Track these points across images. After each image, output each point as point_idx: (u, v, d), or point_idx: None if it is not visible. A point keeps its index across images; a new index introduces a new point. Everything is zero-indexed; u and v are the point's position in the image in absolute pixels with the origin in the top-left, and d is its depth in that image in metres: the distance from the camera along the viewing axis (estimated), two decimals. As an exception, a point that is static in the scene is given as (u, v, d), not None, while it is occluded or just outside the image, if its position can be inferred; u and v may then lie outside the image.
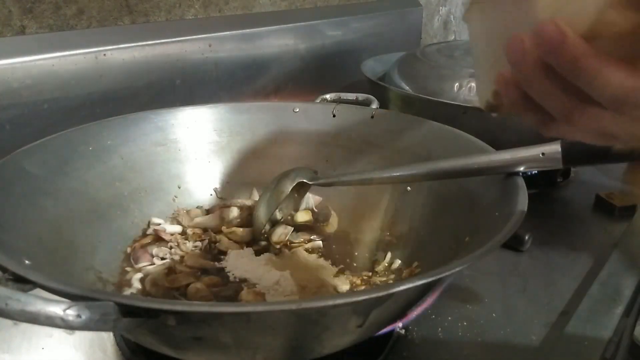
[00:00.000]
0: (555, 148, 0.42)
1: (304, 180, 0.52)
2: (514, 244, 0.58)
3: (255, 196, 0.58)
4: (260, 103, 0.67)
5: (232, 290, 0.44)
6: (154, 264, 0.48)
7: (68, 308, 0.24)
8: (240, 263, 0.47)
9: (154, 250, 0.49)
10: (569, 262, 0.57)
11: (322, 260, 0.50)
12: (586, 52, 0.23)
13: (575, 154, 0.42)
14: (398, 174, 0.48)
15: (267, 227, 0.54)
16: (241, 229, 0.53)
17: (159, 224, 0.53)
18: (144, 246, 0.49)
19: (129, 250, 0.49)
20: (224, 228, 0.54)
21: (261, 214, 0.52)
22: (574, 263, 0.56)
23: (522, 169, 0.42)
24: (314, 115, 0.61)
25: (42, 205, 0.43)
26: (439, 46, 0.85)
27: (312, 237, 0.53)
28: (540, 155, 0.42)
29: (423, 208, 0.51)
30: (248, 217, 0.54)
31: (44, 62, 0.58)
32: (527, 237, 0.58)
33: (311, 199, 0.57)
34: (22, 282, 0.28)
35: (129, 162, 0.53)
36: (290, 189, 0.52)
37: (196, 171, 0.58)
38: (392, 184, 0.53)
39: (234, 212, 0.56)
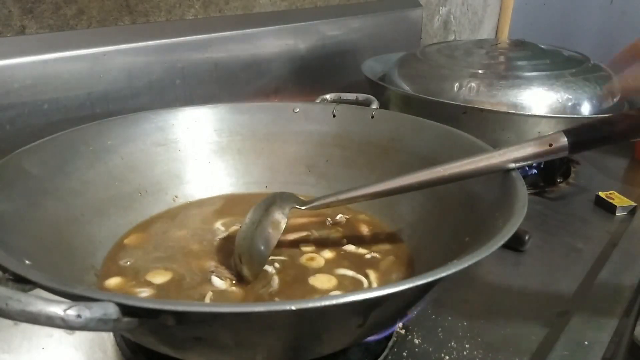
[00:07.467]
0: (560, 136, 0.42)
1: (296, 206, 0.46)
2: (514, 244, 0.58)
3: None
4: (260, 103, 0.67)
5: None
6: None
7: (68, 308, 0.24)
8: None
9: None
10: (569, 262, 0.57)
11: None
12: None
13: (580, 140, 0.42)
14: (397, 185, 0.46)
15: None
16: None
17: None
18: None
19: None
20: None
21: (261, 254, 0.43)
22: (574, 263, 0.56)
23: (533, 163, 0.42)
24: (314, 115, 0.61)
25: (42, 205, 0.42)
26: (439, 46, 0.85)
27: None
28: (548, 146, 0.42)
29: (423, 208, 0.51)
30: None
31: (44, 62, 0.58)
32: (527, 237, 0.58)
33: None
34: (23, 282, 0.28)
35: (129, 162, 0.53)
36: (286, 219, 0.44)
37: (196, 171, 0.58)
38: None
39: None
